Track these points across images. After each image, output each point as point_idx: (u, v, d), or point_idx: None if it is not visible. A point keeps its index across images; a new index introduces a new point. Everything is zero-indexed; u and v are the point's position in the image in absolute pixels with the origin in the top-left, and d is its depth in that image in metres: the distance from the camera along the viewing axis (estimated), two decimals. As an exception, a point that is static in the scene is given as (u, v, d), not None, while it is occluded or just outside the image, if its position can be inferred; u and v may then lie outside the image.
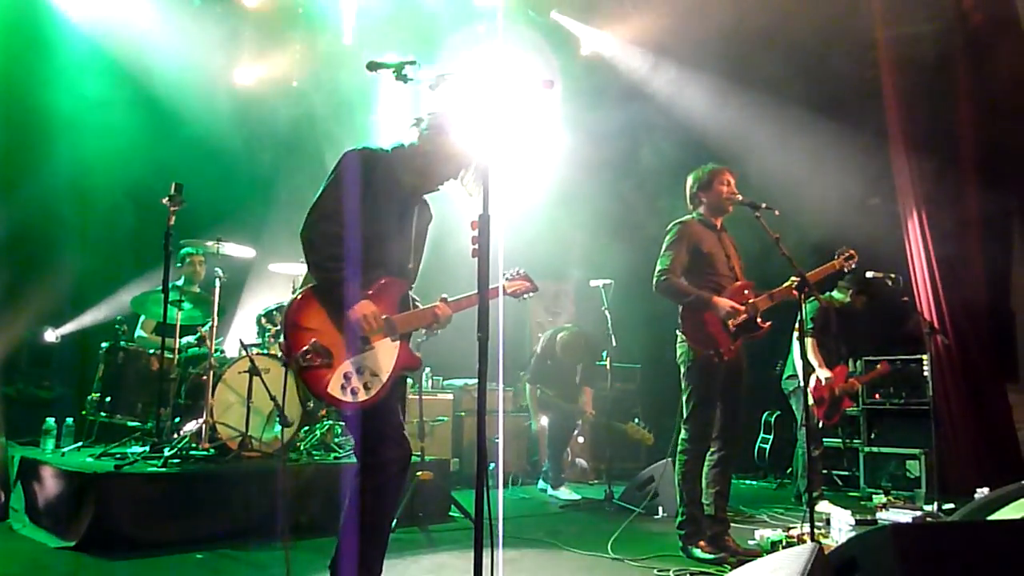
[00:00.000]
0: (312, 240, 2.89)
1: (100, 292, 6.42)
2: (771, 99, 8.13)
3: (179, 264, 5.92)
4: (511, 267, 3.40)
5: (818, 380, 5.99)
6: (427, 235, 3.26)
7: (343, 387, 2.80)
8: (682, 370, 4.39)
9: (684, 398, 4.37)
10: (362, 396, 2.83)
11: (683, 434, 4.36)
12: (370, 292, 2.92)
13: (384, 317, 2.93)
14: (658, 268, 4.36)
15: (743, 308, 4.24)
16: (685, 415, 4.35)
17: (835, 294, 6.40)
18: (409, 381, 7.34)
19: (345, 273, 2.84)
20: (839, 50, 7.75)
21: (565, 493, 6.67)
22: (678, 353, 4.43)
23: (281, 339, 2.91)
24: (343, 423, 4.81)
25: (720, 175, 4.51)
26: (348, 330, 2.85)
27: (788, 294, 4.26)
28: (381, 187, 2.97)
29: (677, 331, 4.41)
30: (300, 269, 5.98)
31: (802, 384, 5.92)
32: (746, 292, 4.34)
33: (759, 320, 4.30)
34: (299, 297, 2.90)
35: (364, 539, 2.87)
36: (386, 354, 2.93)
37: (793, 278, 4.18)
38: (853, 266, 4.61)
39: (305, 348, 2.77)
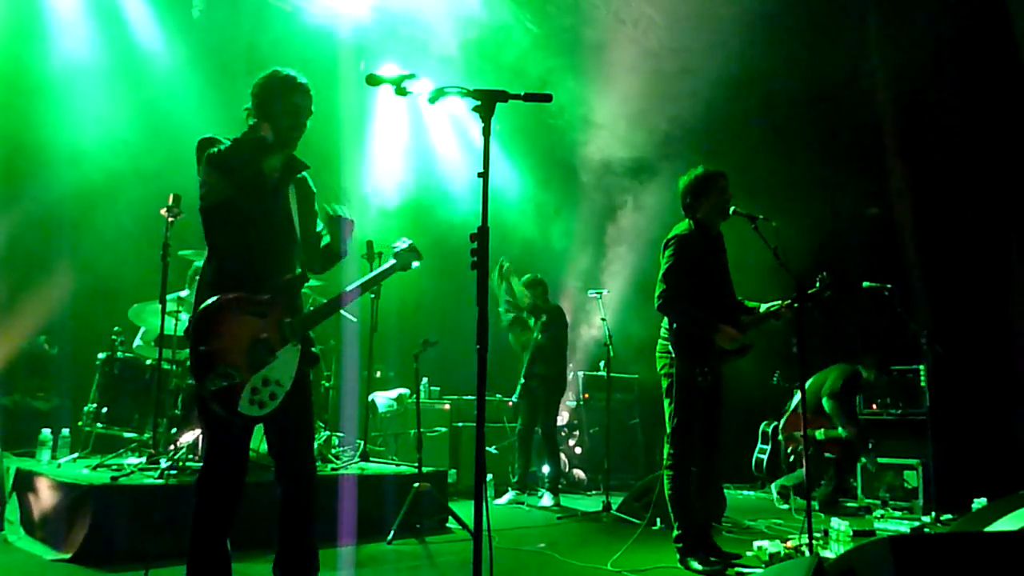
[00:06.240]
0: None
1: (98, 303, 6.40)
2: (768, 106, 8.19)
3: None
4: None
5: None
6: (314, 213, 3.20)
7: (251, 401, 2.80)
8: (664, 384, 4.35)
9: (668, 415, 4.32)
10: (269, 407, 2.85)
11: (668, 449, 4.32)
12: (265, 300, 2.91)
13: (287, 321, 2.94)
14: (661, 287, 4.24)
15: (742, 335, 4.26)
16: (669, 431, 4.31)
17: (860, 368, 6.92)
18: (407, 392, 7.34)
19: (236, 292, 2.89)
20: (837, 58, 7.82)
21: (548, 500, 6.69)
22: (659, 365, 4.37)
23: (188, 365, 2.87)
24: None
25: (716, 180, 4.31)
26: (252, 346, 2.84)
27: (775, 317, 4.34)
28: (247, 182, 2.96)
29: (662, 341, 4.37)
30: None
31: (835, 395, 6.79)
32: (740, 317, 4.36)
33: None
34: (195, 319, 2.83)
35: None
36: (289, 360, 2.94)
37: (782, 303, 4.29)
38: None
39: (212, 373, 2.75)
